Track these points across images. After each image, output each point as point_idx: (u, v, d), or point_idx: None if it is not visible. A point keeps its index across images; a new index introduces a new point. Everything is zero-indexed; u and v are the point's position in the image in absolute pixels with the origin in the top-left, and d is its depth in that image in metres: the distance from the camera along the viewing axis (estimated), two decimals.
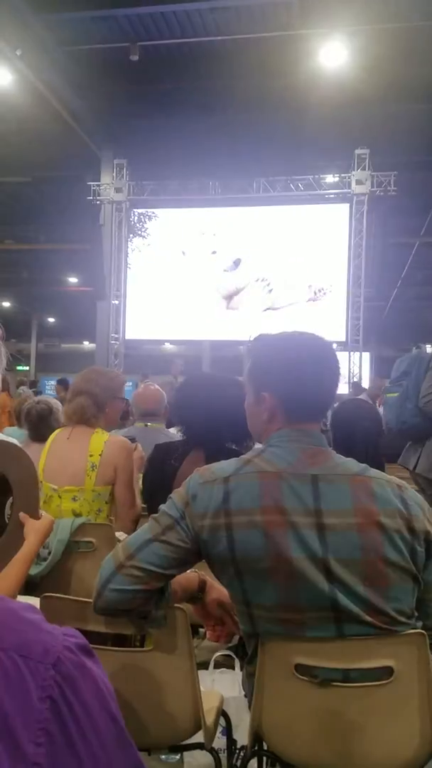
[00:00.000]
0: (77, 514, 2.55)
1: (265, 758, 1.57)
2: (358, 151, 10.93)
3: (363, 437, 2.42)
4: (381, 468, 2.53)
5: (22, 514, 1.54)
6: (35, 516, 1.58)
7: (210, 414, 2.25)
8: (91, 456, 2.60)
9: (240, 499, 1.27)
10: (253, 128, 10.72)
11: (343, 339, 11.36)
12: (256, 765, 1.59)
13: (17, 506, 1.55)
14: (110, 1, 7.97)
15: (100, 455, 2.60)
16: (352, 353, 11.44)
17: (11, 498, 1.55)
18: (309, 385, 1.37)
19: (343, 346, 11.62)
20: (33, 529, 1.56)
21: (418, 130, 10.60)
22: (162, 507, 1.34)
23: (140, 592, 1.27)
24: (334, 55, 8.77)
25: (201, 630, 3.00)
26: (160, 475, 2.39)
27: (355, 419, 2.50)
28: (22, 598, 1.68)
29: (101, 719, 0.54)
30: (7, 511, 1.57)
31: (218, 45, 8.90)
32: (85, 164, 12.11)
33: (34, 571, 2.35)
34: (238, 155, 11.36)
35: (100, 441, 2.63)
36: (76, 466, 2.59)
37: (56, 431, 2.77)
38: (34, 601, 1.50)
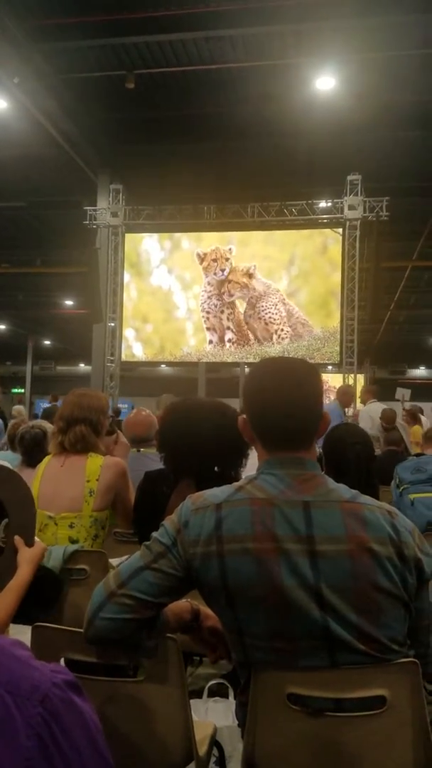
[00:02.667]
0: (74, 541, 2.53)
1: None
2: (350, 177, 11.07)
3: (355, 461, 2.42)
4: (375, 491, 2.54)
5: (17, 539, 1.53)
6: (30, 542, 1.56)
7: (197, 440, 2.25)
8: (88, 481, 2.58)
9: (232, 526, 1.27)
10: (248, 154, 10.86)
11: (337, 361, 11.41)
12: None
13: (13, 530, 1.53)
14: (107, 31, 8.11)
15: (97, 480, 2.59)
16: (346, 375, 11.48)
17: (5, 520, 1.54)
18: (275, 413, 1.35)
19: (338, 368, 11.67)
20: (25, 559, 1.53)
21: (408, 156, 10.76)
22: (154, 534, 1.34)
23: (131, 621, 1.26)
24: (326, 83, 8.93)
25: (195, 658, 2.98)
26: (151, 503, 2.38)
27: (345, 442, 2.50)
28: (16, 628, 1.66)
29: (88, 755, 0.54)
30: (0, 533, 1.55)
31: (213, 73, 9.05)
32: (81, 189, 12.23)
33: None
34: (232, 181, 11.49)
35: (96, 465, 2.62)
36: (73, 492, 2.58)
37: (47, 458, 2.76)
38: (27, 631, 1.48)
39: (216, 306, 11.73)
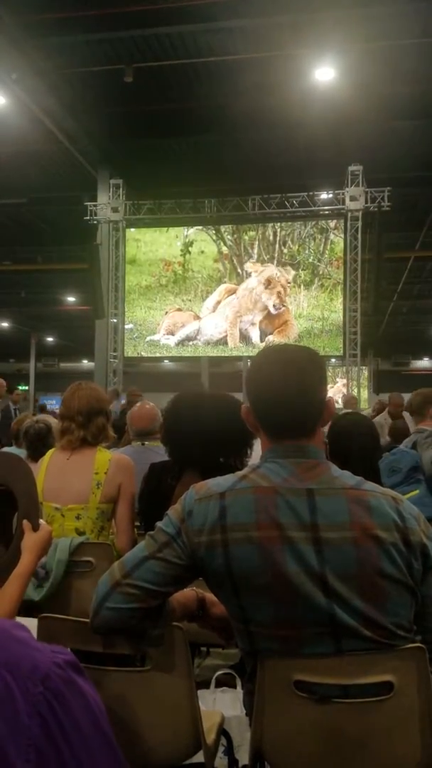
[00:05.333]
0: (80, 533, 2.55)
1: None
2: (351, 168, 11.02)
3: (359, 450, 2.42)
4: (379, 482, 2.54)
5: (25, 523, 1.53)
6: (35, 525, 1.56)
7: (200, 433, 2.26)
8: (96, 474, 2.60)
9: (236, 515, 1.27)
10: (248, 146, 10.83)
11: (341, 353, 11.37)
12: None
13: (20, 516, 1.54)
14: (104, 25, 8.08)
15: (105, 473, 2.61)
16: (350, 367, 11.45)
17: (16, 514, 1.55)
18: (278, 401, 1.34)
19: (341, 360, 11.64)
20: (28, 546, 1.53)
21: (409, 146, 10.71)
22: (158, 524, 1.34)
23: (137, 611, 1.26)
24: (325, 74, 8.88)
25: (202, 649, 2.99)
26: (156, 494, 2.39)
27: (351, 432, 2.50)
28: (22, 620, 1.66)
29: (91, 735, 0.54)
30: (15, 524, 1.56)
31: (212, 65, 9.01)
32: (81, 185, 12.21)
33: (37, 596, 2.34)
34: (233, 173, 11.46)
35: (105, 459, 2.65)
36: (80, 484, 2.60)
37: (50, 451, 2.76)
38: (33, 623, 1.49)
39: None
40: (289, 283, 11.42)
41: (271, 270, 11.47)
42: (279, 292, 11.34)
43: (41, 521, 1.58)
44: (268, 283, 11.39)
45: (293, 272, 11.47)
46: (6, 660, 0.53)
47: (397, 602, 1.25)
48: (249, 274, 11.58)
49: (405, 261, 15.09)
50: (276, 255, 11.57)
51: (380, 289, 11.86)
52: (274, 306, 11.35)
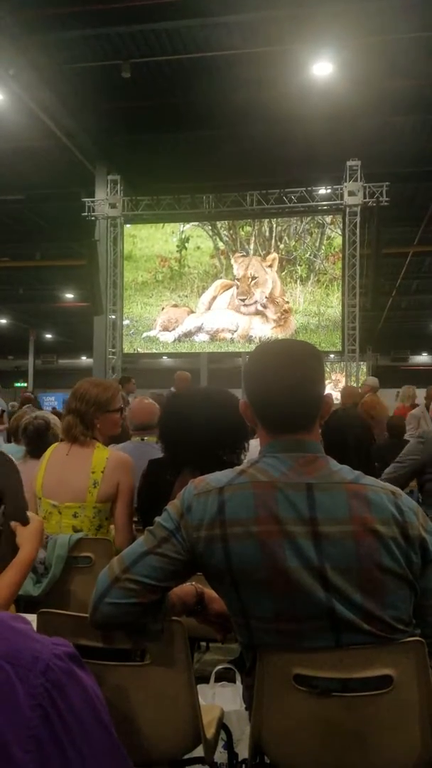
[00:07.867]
0: (77, 530, 2.55)
1: None
2: (349, 163, 10.99)
3: (355, 444, 2.42)
4: (374, 474, 2.55)
5: (13, 524, 1.53)
6: (24, 521, 1.56)
7: (190, 431, 2.26)
8: (93, 472, 2.59)
9: (235, 510, 1.27)
10: (246, 142, 10.80)
11: (340, 349, 11.35)
12: None
13: (8, 516, 1.54)
14: (102, 20, 8.05)
15: (102, 471, 2.59)
16: (348, 363, 11.44)
17: (2, 507, 1.55)
18: (275, 395, 1.34)
19: (340, 356, 11.63)
20: (26, 537, 1.53)
21: (407, 141, 10.69)
22: (157, 519, 1.34)
23: (136, 606, 1.26)
24: (323, 68, 8.86)
25: (202, 644, 2.99)
26: (155, 489, 2.39)
27: (345, 426, 2.50)
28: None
29: (92, 727, 0.54)
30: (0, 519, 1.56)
31: (209, 60, 8.98)
32: (79, 181, 12.18)
33: (36, 592, 2.34)
34: (231, 169, 11.43)
35: (102, 457, 2.63)
36: (77, 482, 2.59)
37: (52, 446, 2.76)
38: (33, 618, 1.49)
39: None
40: (267, 266, 11.35)
41: (244, 266, 11.43)
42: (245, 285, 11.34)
43: (30, 514, 1.58)
44: (242, 279, 11.41)
45: (274, 255, 11.39)
46: (6, 651, 0.53)
47: (396, 596, 1.25)
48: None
49: (404, 256, 15.08)
50: (272, 250, 11.55)
51: (379, 284, 11.84)
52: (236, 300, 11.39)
